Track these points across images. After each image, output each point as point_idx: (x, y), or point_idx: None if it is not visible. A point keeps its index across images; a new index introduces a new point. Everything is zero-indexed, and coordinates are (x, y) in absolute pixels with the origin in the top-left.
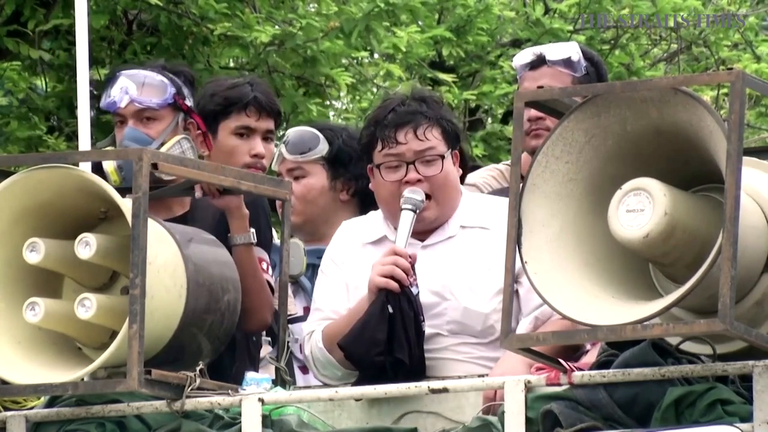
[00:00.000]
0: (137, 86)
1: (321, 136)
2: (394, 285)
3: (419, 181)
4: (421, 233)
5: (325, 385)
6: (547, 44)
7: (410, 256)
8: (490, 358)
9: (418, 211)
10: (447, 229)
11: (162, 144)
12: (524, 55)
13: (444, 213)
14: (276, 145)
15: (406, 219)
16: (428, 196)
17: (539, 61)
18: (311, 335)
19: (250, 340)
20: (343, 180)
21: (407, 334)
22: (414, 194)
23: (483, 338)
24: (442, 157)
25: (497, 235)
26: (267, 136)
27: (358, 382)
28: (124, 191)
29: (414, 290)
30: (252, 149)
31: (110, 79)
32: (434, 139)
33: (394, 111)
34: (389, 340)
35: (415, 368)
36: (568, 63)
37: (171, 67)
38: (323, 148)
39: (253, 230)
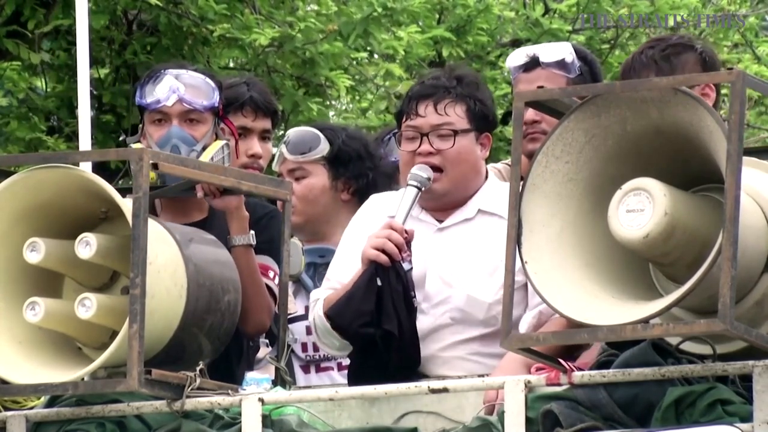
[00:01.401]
0: (185, 86)
1: (322, 135)
2: (384, 258)
3: (430, 153)
4: (439, 212)
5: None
6: (540, 44)
7: (407, 232)
8: (493, 354)
9: (423, 189)
10: (465, 210)
11: (204, 147)
12: (517, 57)
13: (455, 189)
14: (275, 146)
15: (409, 195)
16: (440, 170)
17: (533, 63)
18: (316, 303)
19: (246, 341)
20: (344, 179)
21: (396, 307)
22: (420, 171)
23: (485, 328)
24: (457, 132)
25: None
26: (264, 136)
27: (352, 356)
28: (124, 191)
29: (406, 266)
30: (249, 149)
31: (151, 76)
32: (454, 116)
33: (422, 84)
34: (378, 312)
35: (407, 343)
36: (561, 65)
37: (202, 71)
38: (324, 147)
39: (252, 232)
